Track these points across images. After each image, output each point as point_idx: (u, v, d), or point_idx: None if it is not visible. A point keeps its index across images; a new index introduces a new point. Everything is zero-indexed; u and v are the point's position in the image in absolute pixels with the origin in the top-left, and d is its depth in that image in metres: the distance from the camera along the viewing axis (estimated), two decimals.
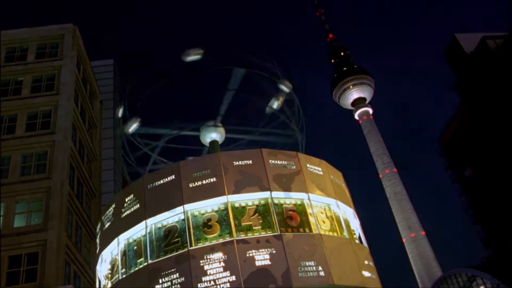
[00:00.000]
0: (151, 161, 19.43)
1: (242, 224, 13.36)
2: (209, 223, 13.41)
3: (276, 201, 14.04)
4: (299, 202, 14.36)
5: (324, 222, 14.55)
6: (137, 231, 14.33)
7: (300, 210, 14.22)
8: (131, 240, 14.36)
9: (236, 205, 13.70)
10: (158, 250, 13.48)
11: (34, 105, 32.23)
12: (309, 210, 14.32)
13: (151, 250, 13.58)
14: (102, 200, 37.08)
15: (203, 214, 13.64)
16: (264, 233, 13.23)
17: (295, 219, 13.87)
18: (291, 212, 14.02)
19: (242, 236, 13.05)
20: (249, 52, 17.89)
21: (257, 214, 13.63)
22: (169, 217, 13.88)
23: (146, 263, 13.39)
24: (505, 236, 41.95)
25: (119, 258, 14.52)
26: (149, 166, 19.24)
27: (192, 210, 13.70)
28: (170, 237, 13.48)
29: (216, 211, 13.61)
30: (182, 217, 13.64)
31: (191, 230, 13.37)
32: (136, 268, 13.57)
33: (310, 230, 13.92)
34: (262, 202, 13.92)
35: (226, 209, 13.58)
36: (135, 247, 14.09)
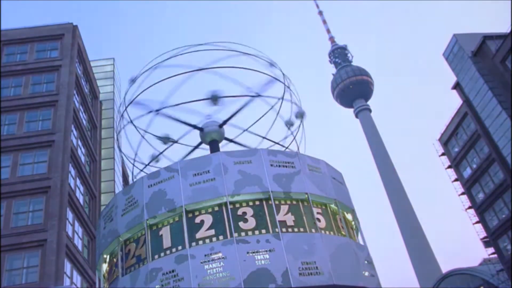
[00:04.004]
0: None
1: (278, 220, 13.41)
2: (245, 217, 13.40)
3: (305, 203, 14.22)
4: (323, 206, 14.60)
5: (343, 228, 14.77)
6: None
7: (324, 213, 14.45)
8: (154, 228, 14.01)
9: (270, 202, 13.75)
10: (190, 239, 13.22)
11: (34, 105, 32.27)
12: (333, 213, 14.68)
13: (181, 239, 13.27)
14: (102, 200, 37.11)
15: (238, 208, 13.63)
16: (296, 231, 13.35)
17: (322, 221, 14.09)
18: (319, 214, 14.21)
19: (277, 232, 13.10)
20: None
21: (290, 212, 13.73)
22: (208, 205, 13.65)
23: (174, 252, 13.06)
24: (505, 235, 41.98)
25: (133, 247, 14.24)
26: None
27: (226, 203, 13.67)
28: (203, 228, 13.29)
29: (251, 206, 13.62)
30: (217, 208, 13.59)
31: (226, 222, 13.30)
32: (163, 255, 13.23)
33: (335, 233, 14.17)
34: (294, 202, 14.08)
35: (261, 204, 13.67)
36: (160, 233, 13.76)
